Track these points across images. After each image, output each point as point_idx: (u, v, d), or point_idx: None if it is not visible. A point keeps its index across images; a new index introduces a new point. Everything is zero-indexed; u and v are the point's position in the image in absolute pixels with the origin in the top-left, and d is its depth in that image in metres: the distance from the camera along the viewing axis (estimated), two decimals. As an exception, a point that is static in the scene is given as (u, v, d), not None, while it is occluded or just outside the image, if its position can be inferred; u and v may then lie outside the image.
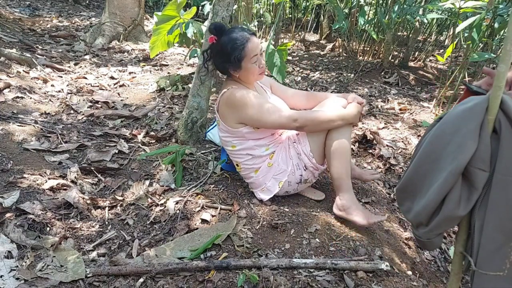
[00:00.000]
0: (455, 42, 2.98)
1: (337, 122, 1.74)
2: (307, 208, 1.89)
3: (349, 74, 4.32)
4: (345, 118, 1.74)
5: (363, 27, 4.13)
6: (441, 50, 5.26)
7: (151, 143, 2.58)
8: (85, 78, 3.70)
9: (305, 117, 1.74)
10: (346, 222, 1.81)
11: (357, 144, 2.77)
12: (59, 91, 3.26)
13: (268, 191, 1.88)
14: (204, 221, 1.77)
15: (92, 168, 2.18)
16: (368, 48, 4.88)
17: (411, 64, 4.71)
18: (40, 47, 4.33)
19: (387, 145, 2.74)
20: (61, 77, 3.64)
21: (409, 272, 1.64)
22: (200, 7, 4.13)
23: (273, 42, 4.19)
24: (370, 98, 3.76)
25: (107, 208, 1.89)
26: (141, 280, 1.45)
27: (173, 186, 2.05)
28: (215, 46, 1.84)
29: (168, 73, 4.04)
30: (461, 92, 3.76)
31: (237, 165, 1.93)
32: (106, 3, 5.19)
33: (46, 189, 1.95)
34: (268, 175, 1.86)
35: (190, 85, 2.95)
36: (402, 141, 2.86)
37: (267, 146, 1.86)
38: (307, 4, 6.58)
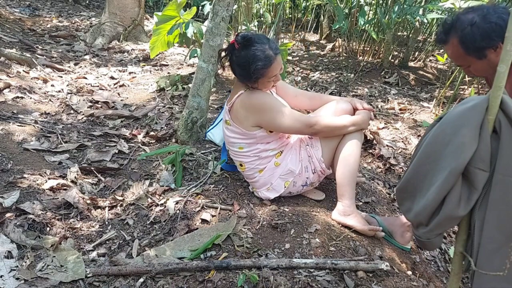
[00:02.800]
0: (455, 42, 2.97)
1: (350, 128, 1.79)
2: (307, 208, 1.89)
3: (349, 74, 4.32)
4: (358, 124, 1.80)
5: (363, 27, 4.13)
6: (441, 50, 5.26)
7: (151, 143, 2.58)
8: (85, 78, 3.70)
9: (321, 124, 1.76)
10: (346, 222, 1.81)
11: (357, 144, 2.76)
12: (59, 91, 3.26)
13: (274, 191, 1.88)
14: (204, 221, 1.77)
15: (92, 168, 2.18)
16: (368, 48, 4.88)
17: (411, 64, 4.71)
18: (40, 47, 4.33)
19: (387, 145, 2.74)
20: (61, 77, 3.64)
21: (409, 272, 1.64)
22: (200, 7, 4.13)
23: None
24: (370, 98, 3.76)
25: (107, 208, 1.89)
26: (141, 280, 1.45)
27: (173, 186, 2.05)
28: (236, 54, 1.72)
29: (168, 73, 4.04)
30: (461, 92, 3.76)
31: (240, 165, 1.91)
32: (106, 3, 5.19)
33: (46, 189, 1.95)
34: (274, 174, 1.85)
35: (190, 85, 2.95)
36: (402, 141, 2.86)
37: (274, 149, 1.86)
38: (307, 4, 6.58)
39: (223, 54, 1.81)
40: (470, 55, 1.52)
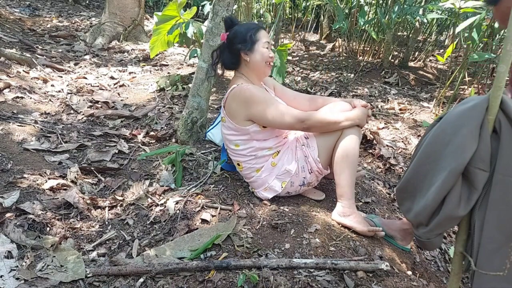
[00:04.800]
0: (455, 42, 2.98)
1: (343, 123, 1.74)
2: (307, 208, 1.89)
3: (349, 74, 4.32)
4: (352, 119, 1.75)
5: (363, 27, 4.13)
6: (441, 50, 5.26)
7: (151, 143, 2.58)
8: (85, 78, 3.70)
9: (313, 119, 1.74)
10: (346, 222, 1.81)
11: (357, 144, 2.77)
12: (59, 91, 3.26)
13: (272, 190, 1.88)
14: (204, 221, 1.77)
15: (92, 168, 2.18)
16: (368, 48, 4.88)
17: (411, 64, 4.71)
18: (40, 47, 4.33)
19: (387, 145, 2.74)
20: (61, 77, 3.64)
21: (409, 272, 1.64)
22: (200, 7, 4.13)
23: (273, 42, 4.19)
24: (370, 98, 3.76)
25: (107, 208, 1.89)
26: (141, 280, 1.45)
27: (173, 186, 2.05)
28: (230, 38, 1.86)
29: (168, 73, 4.04)
30: (461, 92, 3.76)
31: (238, 164, 1.92)
32: (106, 3, 5.19)
33: (46, 189, 1.95)
34: (271, 174, 1.85)
35: (190, 85, 2.95)
36: (402, 141, 2.86)
37: (270, 148, 1.86)
38: (307, 4, 6.58)
39: (215, 55, 1.95)
40: None
